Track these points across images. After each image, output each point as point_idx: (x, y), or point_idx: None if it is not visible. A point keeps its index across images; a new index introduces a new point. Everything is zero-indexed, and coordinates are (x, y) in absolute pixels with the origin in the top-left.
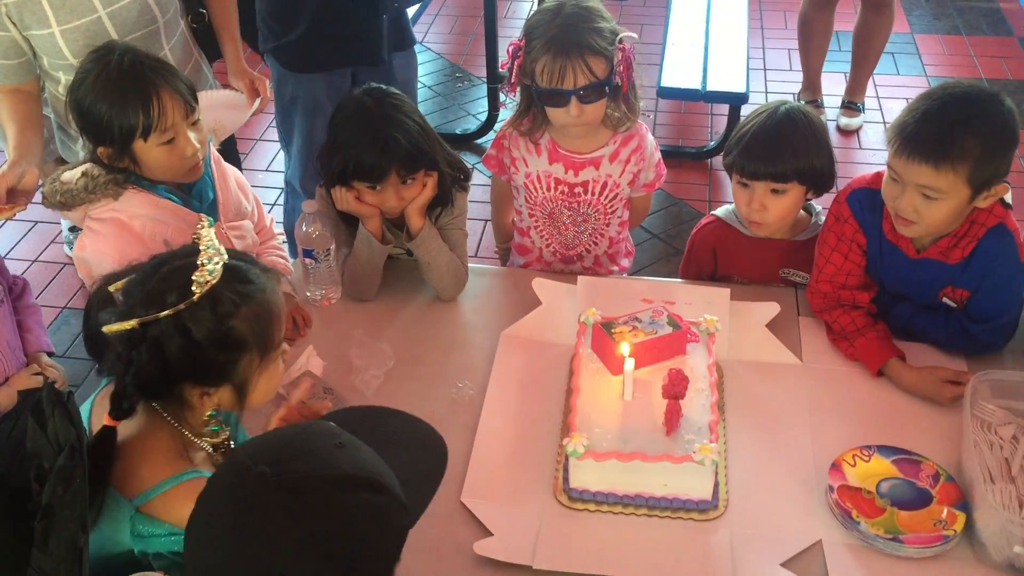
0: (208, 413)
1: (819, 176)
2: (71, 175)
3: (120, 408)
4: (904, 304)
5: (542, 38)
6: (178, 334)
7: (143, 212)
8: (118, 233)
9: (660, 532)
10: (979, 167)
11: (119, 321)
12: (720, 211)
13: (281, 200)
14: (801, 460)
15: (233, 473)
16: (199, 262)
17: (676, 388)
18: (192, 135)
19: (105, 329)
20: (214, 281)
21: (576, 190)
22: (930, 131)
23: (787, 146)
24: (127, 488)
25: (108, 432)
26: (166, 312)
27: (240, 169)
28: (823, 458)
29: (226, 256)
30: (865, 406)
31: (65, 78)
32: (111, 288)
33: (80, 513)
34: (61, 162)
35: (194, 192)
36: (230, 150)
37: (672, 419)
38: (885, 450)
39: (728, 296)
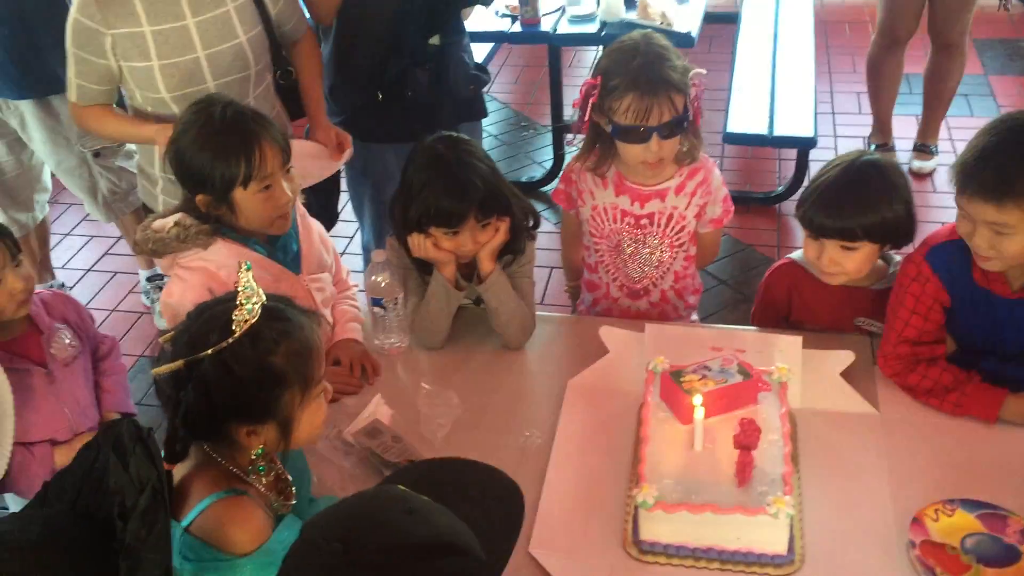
0: (255, 452)
1: (892, 232)
2: (163, 223)
3: (173, 451)
4: (991, 358)
5: (624, 76)
6: (222, 372)
7: (230, 263)
8: (205, 282)
9: None
10: None
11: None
12: (796, 255)
13: (350, 249)
14: (880, 514)
15: (305, 552)
16: (238, 302)
17: (748, 438)
18: (286, 185)
19: (153, 372)
20: (253, 320)
21: (642, 222)
22: (989, 168)
23: (857, 202)
24: (179, 514)
25: (166, 477)
26: (209, 351)
27: (336, 220)
28: (903, 512)
29: (264, 297)
30: (947, 458)
31: (154, 112)
32: (160, 340)
33: (164, 558)
34: (147, 210)
35: (279, 244)
36: (329, 202)
37: (744, 470)
38: (969, 504)
39: (800, 344)
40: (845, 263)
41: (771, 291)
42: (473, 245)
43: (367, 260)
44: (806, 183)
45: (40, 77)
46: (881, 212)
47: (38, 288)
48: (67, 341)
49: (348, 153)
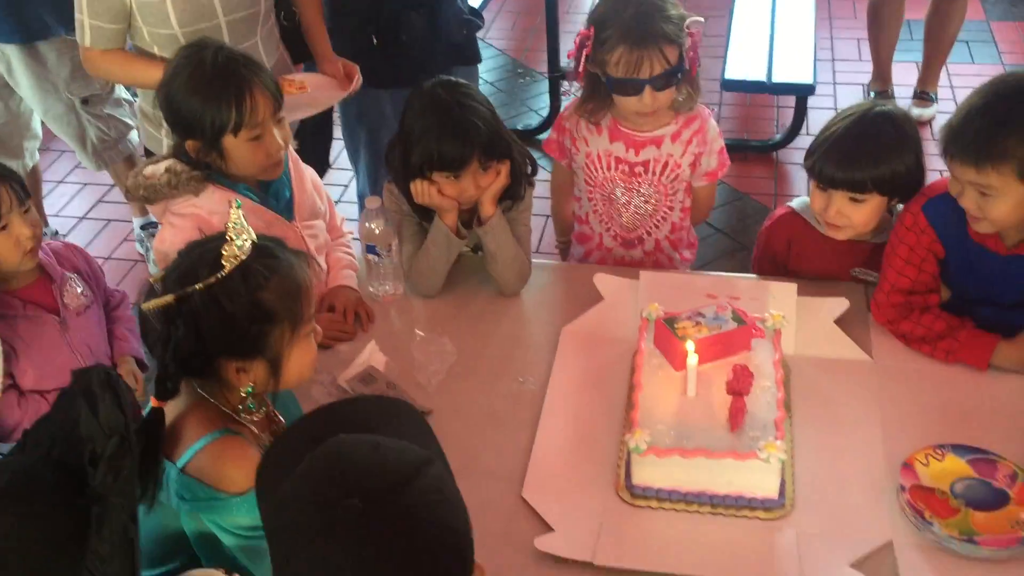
0: (245, 390)
1: (902, 186)
2: (154, 170)
3: (164, 388)
4: (985, 307)
5: (616, 28)
6: (212, 307)
7: (222, 209)
8: (197, 228)
9: (725, 530)
10: None
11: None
12: (796, 203)
13: (345, 197)
14: (871, 459)
15: (322, 520)
16: (228, 237)
17: (741, 384)
18: (277, 133)
19: (144, 307)
20: (243, 256)
21: (636, 169)
22: (969, 131)
23: (868, 154)
24: (173, 454)
25: (157, 414)
26: (199, 285)
27: (328, 166)
28: (894, 457)
29: (254, 236)
30: (938, 404)
31: (160, 53)
32: (151, 279)
33: (130, 503)
34: (149, 154)
35: (271, 191)
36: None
37: (737, 416)
38: (960, 449)
39: (795, 292)
40: (853, 215)
41: (772, 241)
42: (475, 190)
43: (362, 208)
44: (804, 132)
45: (26, 21)
46: (892, 165)
47: None
48: (79, 291)
49: (357, 81)
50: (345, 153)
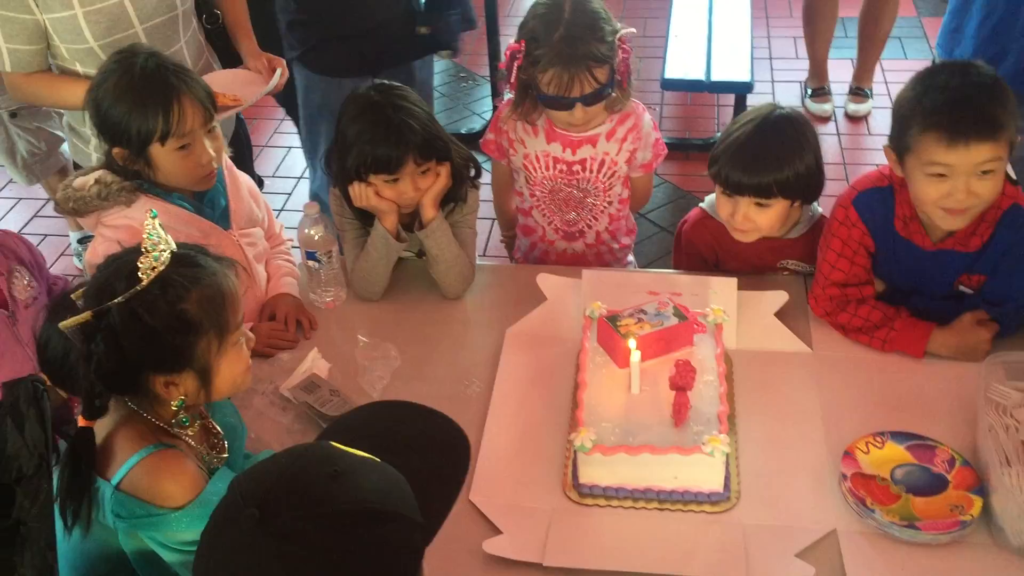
0: (175, 403)
1: (804, 187)
2: (83, 181)
3: (93, 407)
4: (917, 296)
5: (547, 49)
6: (131, 321)
7: None
8: (130, 240)
9: (672, 525)
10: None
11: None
12: (707, 204)
13: (288, 205)
14: (814, 449)
15: (227, 511)
16: (144, 248)
17: (684, 379)
18: (208, 143)
19: (61, 325)
20: (161, 267)
21: (575, 168)
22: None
23: (774, 158)
24: (106, 472)
25: (86, 434)
26: (116, 300)
27: (255, 176)
28: (836, 447)
29: (174, 245)
30: (877, 393)
31: (83, 70)
32: (72, 296)
33: (47, 529)
34: (77, 167)
35: (207, 199)
36: (244, 157)
37: (680, 411)
38: (899, 436)
39: (735, 286)
40: (758, 219)
41: (695, 243)
42: (414, 192)
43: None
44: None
45: None
46: (795, 167)
47: None
48: (26, 281)
49: (279, 73)
50: (287, 161)
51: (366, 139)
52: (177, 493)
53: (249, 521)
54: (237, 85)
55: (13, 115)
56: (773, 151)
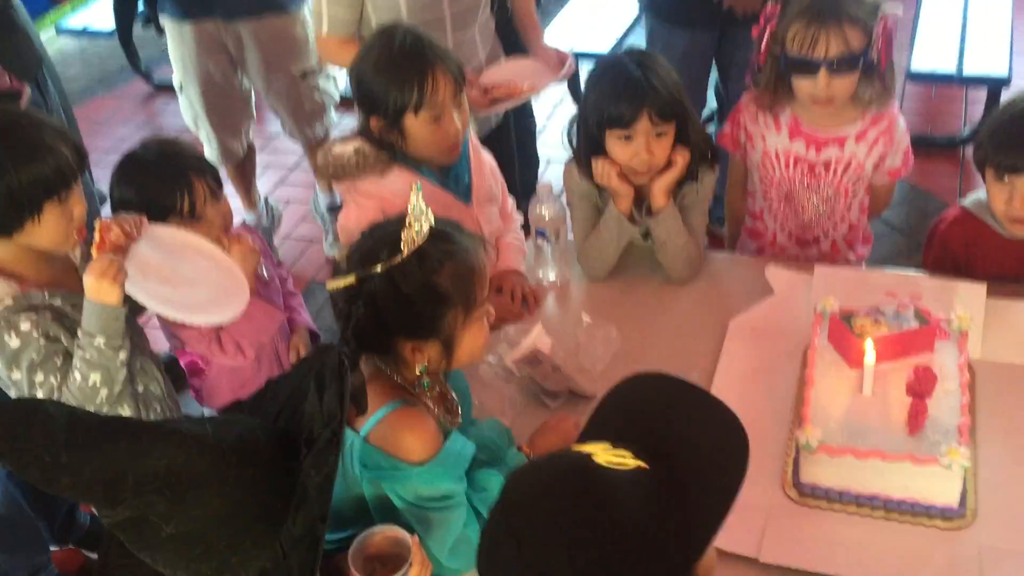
0: (420, 368)
1: None
2: (342, 149)
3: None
4: None
5: (800, 2)
6: (389, 288)
7: (405, 190)
8: (380, 209)
9: (899, 537)
10: None
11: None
12: (968, 202)
13: None
14: None
15: (492, 537)
16: (407, 222)
17: (923, 386)
18: (456, 115)
19: (328, 286)
20: (421, 241)
21: (817, 169)
22: None
23: None
24: (355, 423)
25: (361, 388)
26: (378, 267)
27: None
28: None
29: (432, 220)
30: None
31: None
32: (336, 257)
33: (324, 503)
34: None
35: (452, 175)
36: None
37: (917, 418)
38: None
39: (984, 292)
40: None
41: (950, 244)
42: (647, 154)
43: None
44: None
45: None
46: None
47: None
48: (261, 269)
49: (569, 65)
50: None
51: (605, 95)
52: (417, 447)
53: (510, 551)
54: (528, 74)
55: (303, 76)
56: None
